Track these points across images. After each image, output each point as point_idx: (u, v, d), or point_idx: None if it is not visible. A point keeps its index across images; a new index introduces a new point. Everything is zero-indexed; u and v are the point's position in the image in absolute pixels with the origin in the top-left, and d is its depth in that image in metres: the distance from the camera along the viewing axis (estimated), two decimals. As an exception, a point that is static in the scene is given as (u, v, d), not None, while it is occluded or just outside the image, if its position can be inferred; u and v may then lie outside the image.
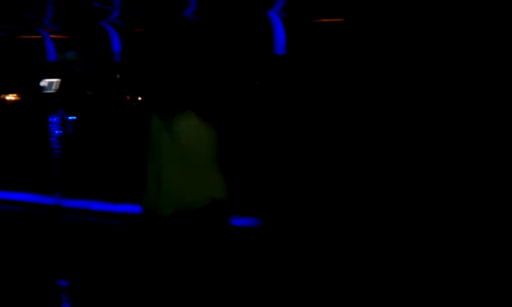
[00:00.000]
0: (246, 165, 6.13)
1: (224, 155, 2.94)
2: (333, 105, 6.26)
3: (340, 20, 6.54)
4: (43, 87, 8.49)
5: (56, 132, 8.08)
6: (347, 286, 4.55)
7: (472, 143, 5.82)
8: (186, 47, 2.93)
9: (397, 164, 5.99)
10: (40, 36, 9.33)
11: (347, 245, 5.41)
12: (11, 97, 8.74)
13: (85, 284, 4.84)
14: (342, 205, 6.01)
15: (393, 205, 5.77)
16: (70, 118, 8.09)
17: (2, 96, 8.80)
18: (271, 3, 6.94)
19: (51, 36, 9.27)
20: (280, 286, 4.57)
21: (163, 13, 7.88)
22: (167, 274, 2.97)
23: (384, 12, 6.25)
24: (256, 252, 5.45)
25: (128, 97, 7.74)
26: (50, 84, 8.49)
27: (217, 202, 2.90)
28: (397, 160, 6.01)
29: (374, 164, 6.07)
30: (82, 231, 6.80)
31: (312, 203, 6.11)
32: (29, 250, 5.88)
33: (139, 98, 7.61)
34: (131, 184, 7.00)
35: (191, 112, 2.86)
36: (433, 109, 6.00)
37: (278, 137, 6.27)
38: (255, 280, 4.68)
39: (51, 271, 5.22)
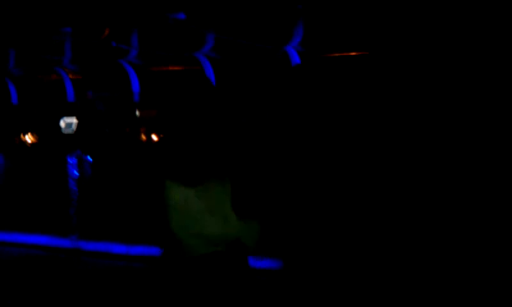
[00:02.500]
0: (264, 206, 5.98)
1: (244, 198, 2.84)
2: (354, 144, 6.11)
3: (354, 53, 6.47)
4: (61, 128, 8.48)
5: (74, 172, 8.03)
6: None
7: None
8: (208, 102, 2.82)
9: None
10: (58, 77, 9.36)
11: (373, 290, 5.21)
12: (29, 138, 8.73)
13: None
14: (367, 246, 5.82)
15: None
16: (88, 158, 8.04)
17: (21, 137, 8.79)
18: (288, 38, 6.90)
19: (70, 76, 9.29)
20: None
21: (181, 51, 7.86)
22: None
23: (407, 45, 6.15)
24: (277, 297, 5.27)
25: (146, 137, 7.68)
26: (69, 124, 8.47)
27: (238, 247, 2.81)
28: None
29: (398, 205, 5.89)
30: (101, 274, 6.68)
31: (335, 243, 5.92)
32: (48, 295, 5.78)
33: (157, 138, 7.53)
34: (149, 226, 6.89)
35: (221, 178, 2.74)
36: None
37: (298, 177, 6.13)
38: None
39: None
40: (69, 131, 8.47)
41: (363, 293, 4.96)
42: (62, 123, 8.51)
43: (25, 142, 8.68)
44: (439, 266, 5.40)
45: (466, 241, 5.37)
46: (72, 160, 8.03)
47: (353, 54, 6.49)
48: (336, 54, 6.57)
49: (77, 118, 8.41)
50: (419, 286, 5.16)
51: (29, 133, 8.69)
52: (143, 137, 7.67)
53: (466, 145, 5.74)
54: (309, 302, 4.95)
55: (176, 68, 8.55)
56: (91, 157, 7.99)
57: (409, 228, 5.76)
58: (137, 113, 8.15)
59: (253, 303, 2.96)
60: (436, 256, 5.51)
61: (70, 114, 8.64)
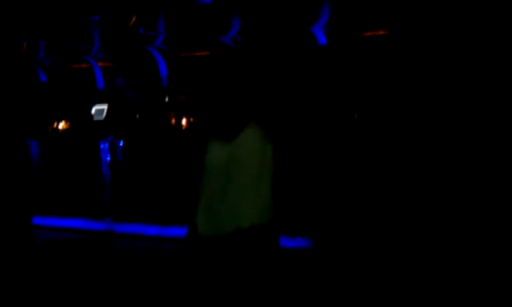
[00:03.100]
0: (296, 184, 6.05)
1: (275, 172, 2.89)
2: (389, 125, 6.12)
3: (383, 32, 6.45)
4: (92, 115, 8.63)
5: (106, 157, 8.18)
6: None
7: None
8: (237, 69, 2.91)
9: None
10: (88, 65, 9.50)
11: (401, 268, 5.26)
12: (62, 125, 8.90)
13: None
14: (397, 225, 5.87)
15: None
16: (119, 143, 8.18)
17: (54, 124, 8.97)
18: (314, 19, 6.91)
19: (99, 63, 9.43)
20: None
21: (208, 36, 7.93)
22: (218, 300, 2.92)
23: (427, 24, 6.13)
24: (308, 276, 5.34)
25: (175, 120, 7.78)
26: (100, 111, 8.62)
27: (268, 224, 2.85)
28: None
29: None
30: (135, 256, 6.82)
31: (366, 222, 5.97)
32: (83, 277, 5.92)
33: (187, 122, 7.64)
34: (181, 207, 7.00)
35: (253, 124, 2.82)
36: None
37: (330, 155, 6.18)
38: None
39: (105, 299, 5.24)
40: (100, 117, 8.61)
41: (390, 273, 5.02)
42: (93, 110, 8.66)
43: (59, 129, 8.86)
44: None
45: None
46: (104, 146, 8.18)
47: (381, 33, 6.48)
48: (364, 34, 6.57)
49: (108, 105, 8.55)
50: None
51: (62, 121, 8.86)
52: (173, 121, 7.78)
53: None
54: (339, 281, 5.02)
55: (203, 53, 8.63)
56: (122, 141, 8.13)
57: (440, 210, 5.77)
58: (166, 98, 8.26)
59: (283, 281, 3.02)
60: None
61: (100, 101, 8.78)
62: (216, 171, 2.86)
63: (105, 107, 8.51)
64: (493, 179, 5.70)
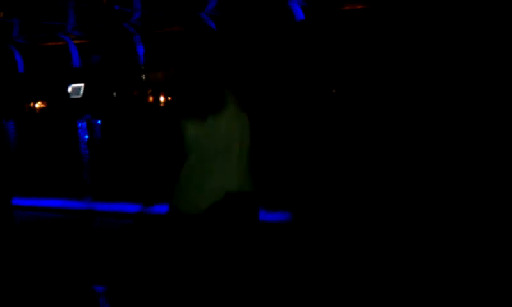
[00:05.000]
0: (276, 158, 6.08)
1: (254, 147, 2.92)
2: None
3: (361, 7, 6.45)
4: (69, 93, 8.56)
5: (84, 136, 8.14)
6: (380, 286, 4.48)
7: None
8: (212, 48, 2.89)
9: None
10: (63, 43, 9.41)
11: (377, 240, 5.33)
12: (39, 104, 8.83)
13: (122, 289, 4.84)
14: (373, 200, 5.93)
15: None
16: (97, 121, 8.14)
17: (31, 104, 8.90)
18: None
19: (75, 41, 9.34)
20: (310, 288, 4.52)
21: (184, 12, 7.88)
22: (198, 275, 2.96)
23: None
24: (287, 250, 5.40)
25: (152, 98, 7.76)
26: (77, 89, 8.56)
27: (248, 194, 2.89)
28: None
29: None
30: (117, 233, 6.81)
31: (344, 195, 6.03)
32: (65, 255, 5.91)
33: (164, 99, 7.63)
34: (162, 184, 7.00)
35: (230, 103, 2.82)
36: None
37: (309, 130, 6.21)
38: (285, 281, 4.64)
39: (88, 276, 5.24)
40: (77, 96, 8.55)
41: (368, 248, 5.09)
42: (70, 89, 8.60)
43: (36, 108, 8.79)
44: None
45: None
46: (82, 124, 8.13)
47: (359, 7, 6.48)
48: (342, 8, 6.57)
49: (84, 83, 8.49)
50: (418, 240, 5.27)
51: (39, 100, 8.79)
52: (150, 98, 7.75)
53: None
54: (318, 254, 5.08)
55: (179, 29, 8.57)
56: (100, 120, 8.09)
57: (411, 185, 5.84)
58: (143, 75, 8.22)
59: (262, 256, 3.05)
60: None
61: (77, 79, 8.72)
62: (197, 151, 2.87)
63: (82, 85, 8.45)
64: (456, 146, 5.77)
